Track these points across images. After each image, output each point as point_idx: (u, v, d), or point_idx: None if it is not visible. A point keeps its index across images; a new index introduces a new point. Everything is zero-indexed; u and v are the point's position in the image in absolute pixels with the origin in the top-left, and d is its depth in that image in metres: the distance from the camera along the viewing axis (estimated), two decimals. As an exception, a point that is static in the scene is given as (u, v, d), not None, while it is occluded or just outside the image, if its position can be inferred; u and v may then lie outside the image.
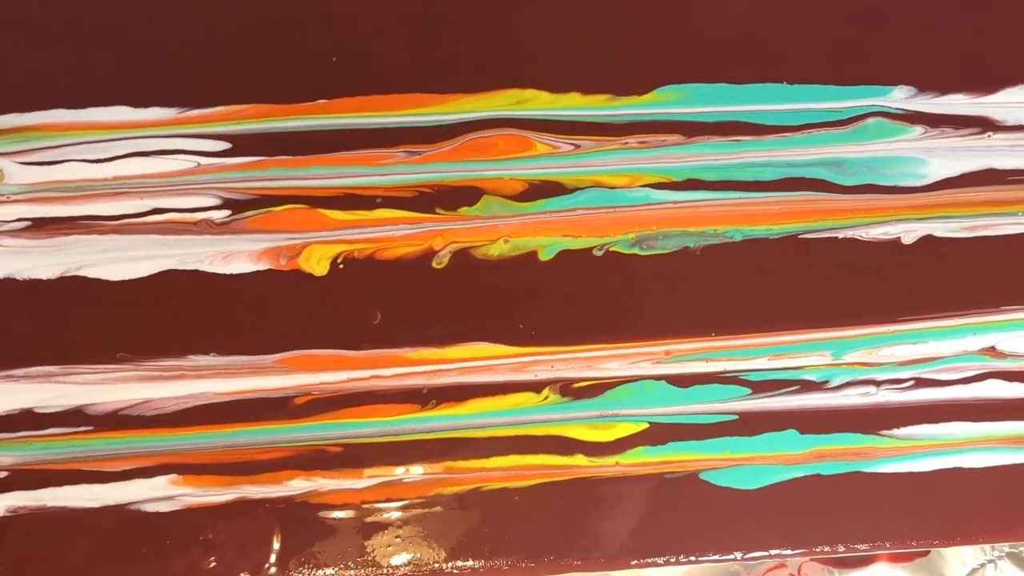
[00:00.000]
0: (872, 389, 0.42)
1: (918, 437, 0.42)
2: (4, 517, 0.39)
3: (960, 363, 0.42)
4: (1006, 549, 0.44)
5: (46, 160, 0.40)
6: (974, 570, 0.44)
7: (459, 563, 0.40)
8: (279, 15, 0.40)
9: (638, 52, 0.41)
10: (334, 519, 0.40)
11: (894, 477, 0.41)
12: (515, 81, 0.41)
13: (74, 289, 0.40)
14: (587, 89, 0.41)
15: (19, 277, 0.40)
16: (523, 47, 0.41)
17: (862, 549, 0.41)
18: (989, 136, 0.42)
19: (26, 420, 0.40)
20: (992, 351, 0.42)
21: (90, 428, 0.40)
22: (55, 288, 0.40)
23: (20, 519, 0.39)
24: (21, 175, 0.40)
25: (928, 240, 0.42)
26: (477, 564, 0.40)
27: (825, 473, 0.41)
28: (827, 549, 0.41)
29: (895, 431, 0.42)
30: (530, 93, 0.41)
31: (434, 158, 0.41)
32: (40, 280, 0.40)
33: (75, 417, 0.40)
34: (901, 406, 0.42)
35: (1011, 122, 0.42)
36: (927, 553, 0.44)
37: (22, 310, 0.40)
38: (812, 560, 0.44)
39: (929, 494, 0.42)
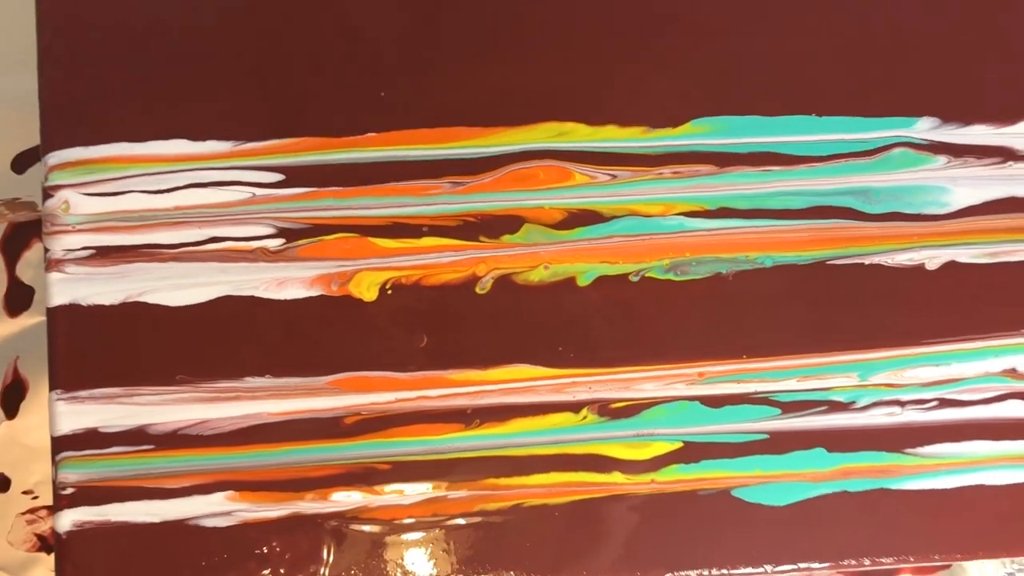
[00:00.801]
0: (897, 409, 0.42)
1: (941, 455, 0.42)
2: (70, 532, 0.39)
3: (982, 384, 0.43)
4: None
5: (109, 191, 0.41)
6: None
7: (499, 573, 0.41)
8: (330, 53, 0.41)
9: (672, 86, 0.42)
10: (381, 534, 0.41)
11: (918, 494, 0.42)
12: (555, 115, 0.42)
13: (136, 314, 0.41)
14: (624, 122, 0.42)
15: (83, 303, 0.40)
16: (562, 83, 0.42)
17: (887, 563, 0.41)
18: (1011, 165, 0.43)
19: (91, 439, 0.40)
20: (1012, 372, 0.43)
21: (151, 447, 0.41)
22: (118, 313, 0.41)
23: (85, 533, 0.40)
24: (86, 206, 0.41)
25: (951, 266, 0.43)
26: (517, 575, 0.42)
27: (852, 490, 0.42)
28: (853, 563, 0.41)
29: (919, 449, 0.42)
30: (569, 126, 0.42)
31: (477, 188, 0.42)
32: (103, 305, 0.41)
33: (137, 436, 0.41)
34: (925, 425, 0.43)
35: None
36: (949, 566, 0.45)
37: (87, 334, 0.40)
38: (839, 573, 0.44)
39: (952, 510, 0.42)
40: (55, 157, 0.41)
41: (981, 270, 0.43)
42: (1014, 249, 0.43)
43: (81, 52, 0.41)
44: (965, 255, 0.43)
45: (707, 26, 0.42)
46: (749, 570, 0.42)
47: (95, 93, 0.41)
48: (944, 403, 0.43)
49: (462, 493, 0.41)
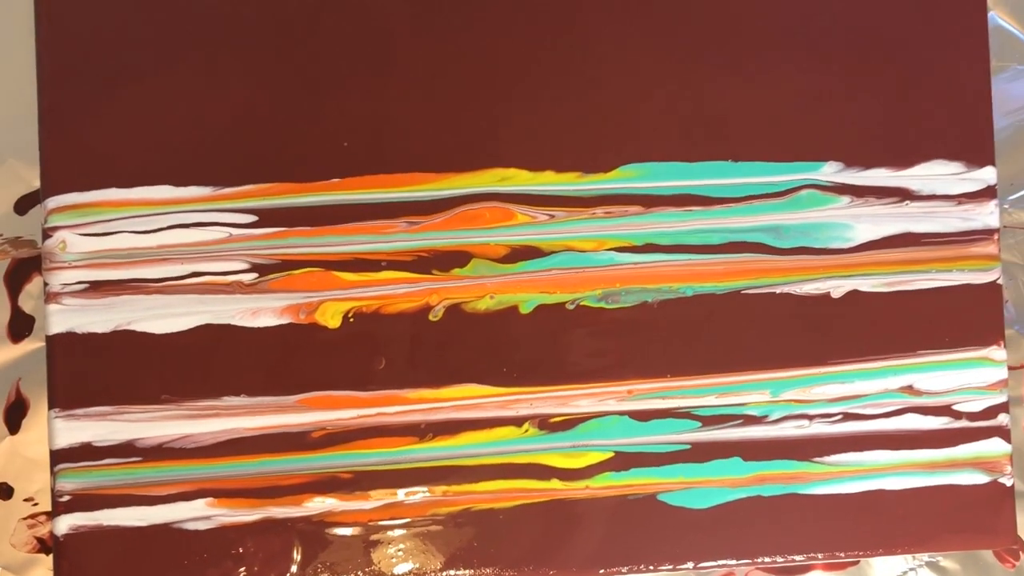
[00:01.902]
0: (806, 422, 0.44)
1: (846, 463, 0.44)
2: (67, 535, 0.42)
3: (882, 400, 0.45)
4: (925, 558, 0.47)
5: (101, 232, 0.43)
6: None
7: (452, 572, 0.43)
8: (299, 108, 0.43)
9: (603, 136, 0.44)
10: (345, 535, 0.43)
11: (825, 498, 0.44)
12: (499, 162, 0.44)
13: (125, 341, 0.42)
14: (560, 168, 0.44)
15: (79, 331, 0.42)
16: (505, 133, 0.44)
17: (798, 560, 0.44)
18: (907, 204, 0.45)
19: (85, 452, 0.42)
20: (910, 389, 0.44)
21: (139, 459, 0.42)
22: (109, 340, 0.42)
23: (80, 536, 0.42)
24: (80, 244, 0.43)
25: (854, 294, 0.44)
26: (468, 573, 0.43)
27: (766, 495, 0.44)
28: (767, 560, 0.44)
29: (826, 458, 0.44)
30: (512, 172, 0.44)
31: (430, 227, 0.44)
32: (96, 333, 0.42)
33: (126, 449, 0.42)
34: (831, 437, 0.44)
35: (926, 192, 0.45)
36: (857, 562, 0.47)
37: (81, 359, 0.42)
38: (756, 569, 0.47)
39: (855, 512, 0.44)
40: (53, 201, 0.42)
41: (880, 298, 0.44)
42: (910, 279, 0.44)
43: (77, 109, 0.43)
44: (866, 284, 0.44)
45: (634, 83, 0.44)
46: (673, 567, 0.44)
47: (89, 145, 0.43)
48: (848, 416, 0.44)
49: (417, 499, 0.43)
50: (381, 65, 0.43)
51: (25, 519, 0.46)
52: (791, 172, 0.44)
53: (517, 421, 0.44)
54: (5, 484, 0.46)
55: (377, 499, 0.43)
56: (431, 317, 0.43)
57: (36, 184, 0.45)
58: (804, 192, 0.45)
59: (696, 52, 0.44)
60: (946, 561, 0.48)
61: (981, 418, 0.45)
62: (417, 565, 0.43)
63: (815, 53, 0.45)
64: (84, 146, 0.43)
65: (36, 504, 0.46)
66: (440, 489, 0.43)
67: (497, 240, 0.44)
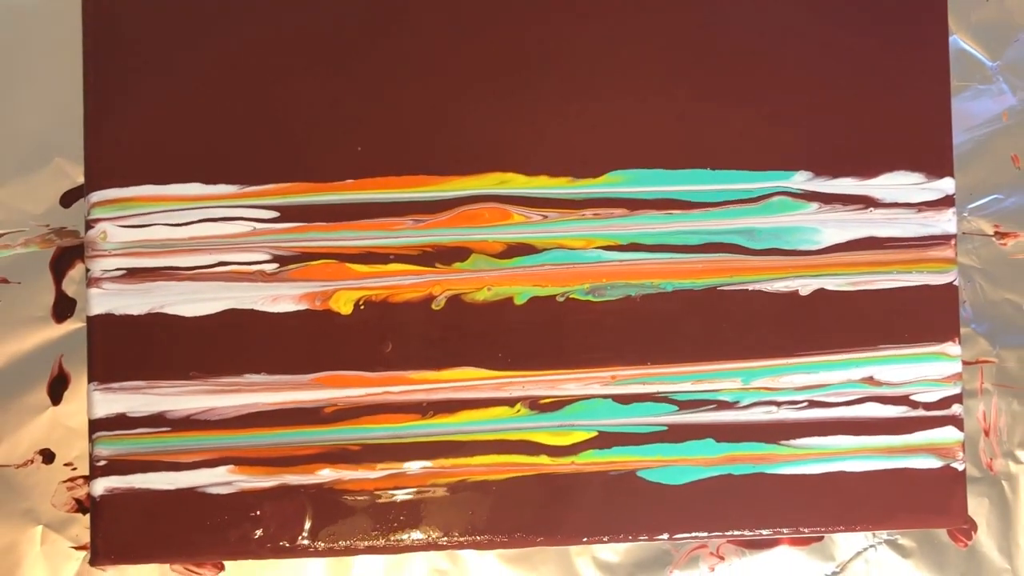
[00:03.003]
0: (774, 408, 0.46)
1: (810, 447, 0.46)
2: (103, 496, 0.44)
3: (844, 389, 0.46)
4: (884, 536, 0.49)
5: (138, 224, 0.44)
6: (859, 552, 0.49)
7: (449, 537, 0.45)
8: (317, 115, 0.45)
9: (593, 145, 0.46)
10: (353, 501, 0.45)
11: (791, 477, 0.46)
12: (498, 166, 0.45)
13: (157, 323, 0.44)
14: (553, 173, 0.46)
15: (116, 313, 0.44)
16: (504, 141, 0.45)
17: (766, 534, 0.46)
18: (871, 211, 0.46)
19: (120, 422, 0.44)
20: (870, 380, 0.46)
21: (168, 429, 0.44)
22: (143, 321, 0.44)
23: (114, 497, 0.44)
24: (119, 235, 0.44)
25: (820, 293, 0.46)
26: (463, 539, 0.45)
27: (736, 473, 0.46)
28: (737, 533, 0.46)
29: (792, 441, 0.46)
30: (509, 176, 0.45)
31: (435, 225, 0.45)
32: (132, 315, 0.44)
33: (157, 420, 0.44)
34: (797, 422, 0.46)
35: (888, 200, 0.46)
36: (822, 538, 0.49)
37: (118, 338, 0.44)
38: (728, 542, 0.49)
39: (818, 491, 0.46)
40: (96, 196, 0.44)
41: (845, 296, 0.46)
42: (873, 279, 0.46)
43: (118, 113, 0.45)
44: (832, 284, 0.46)
45: (622, 97, 0.46)
46: (650, 537, 0.46)
47: (128, 146, 0.45)
48: (813, 404, 0.46)
49: (418, 470, 0.45)
50: (393, 78, 0.45)
51: (65, 482, 0.47)
52: (764, 180, 0.46)
53: (510, 402, 0.45)
54: (48, 450, 0.47)
55: (382, 470, 0.45)
56: (434, 306, 0.45)
57: (80, 180, 0.47)
58: (776, 198, 0.46)
59: (679, 70, 0.46)
60: (904, 539, 0.49)
61: (936, 408, 0.46)
62: (417, 530, 0.45)
63: (788, 71, 0.46)
64: (124, 147, 0.45)
65: (75, 468, 0.47)
66: (439, 462, 0.45)
67: (495, 237, 0.46)
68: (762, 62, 0.46)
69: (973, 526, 0.50)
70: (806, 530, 0.46)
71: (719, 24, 0.46)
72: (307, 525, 0.45)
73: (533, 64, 0.46)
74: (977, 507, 0.49)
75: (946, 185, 0.47)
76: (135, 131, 0.45)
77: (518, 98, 0.46)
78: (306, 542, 0.45)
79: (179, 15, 0.45)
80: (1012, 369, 0.50)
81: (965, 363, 0.49)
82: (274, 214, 0.45)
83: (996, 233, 0.50)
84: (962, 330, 0.48)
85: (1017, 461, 0.50)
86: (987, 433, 0.50)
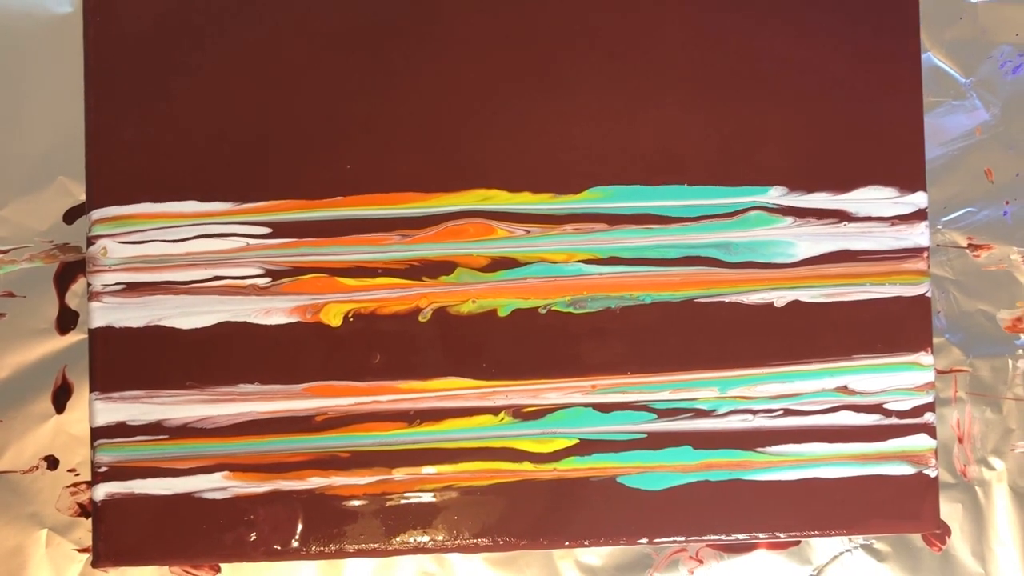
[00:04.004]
0: (750, 416, 0.47)
1: (786, 454, 0.47)
2: (104, 500, 0.45)
3: (819, 398, 0.47)
4: (860, 541, 0.50)
5: (137, 240, 0.45)
6: (835, 556, 0.50)
7: (435, 540, 0.46)
8: (308, 135, 0.46)
9: (574, 162, 0.47)
10: (343, 506, 0.46)
11: (766, 484, 0.47)
12: (482, 183, 0.46)
13: (156, 335, 0.45)
14: (536, 189, 0.47)
15: (116, 325, 0.45)
16: (488, 159, 0.46)
17: (742, 538, 0.47)
18: (844, 225, 0.47)
19: (120, 430, 0.45)
20: (844, 389, 0.47)
21: (166, 436, 0.45)
22: (142, 334, 0.45)
23: (115, 502, 0.45)
24: (119, 251, 0.45)
25: (795, 304, 0.47)
26: (450, 543, 0.46)
27: (713, 480, 0.47)
28: (714, 538, 0.46)
29: (768, 448, 0.47)
30: (493, 192, 0.46)
31: (421, 240, 0.46)
32: (131, 328, 0.45)
33: (155, 428, 0.45)
34: (772, 430, 0.47)
35: (861, 214, 0.47)
36: (798, 543, 0.50)
37: (119, 350, 0.45)
38: (707, 546, 0.50)
39: (794, 497, 0.47)
40: (97, 213, 0.46)
41: (819, 308, 0.47)
42: (846, 291, 0.47)
43: (118, 134, 0.46)
44: (806, 296, 0.47)
45: (602, 116, 0.47)
46: (628, 541, 0.47)
47: (128, 165, 0.46)
48: (788, 412, 0.47)
49: (405, 476, 0.46)
50: (381, 100, 0.46)
51: (68, 487, 0.48)
52: (740, 195, 0.47)
53: (494, 410, 0.46)
54: (52, 456, 0.48)
55: (371, 476, 0.46)
56: (420, 318, 0.46)
57: (82, 198, 0.48)
58: (752, 213, 0.47)
59: (657, 89, 0.47)
60: (879, 544, 0.50)
61: (909, 416, 0.47)
62: (405, 534, 0.46)
63: (763, 89, 0.47)
64: (124, 166, 0.46)
65: (78, 474, 0.48)
66: (426, 468, 0.46)
67: (479, 252, 0.47)
68: (738, 80, 0.47)
69: (947, 531, 0.50)
70: (782, 535, 0.47)
71: (696, 44, 0.47)
72: (299, 529, 0.46)
73: (515, 86, 0.47)
74: (951, 512, 0.50)
75: (919, 199, 0.48)
76: (134, 151, 0.46)
77: (501, 118, 0.47)
78: (298, 545, 0.46)
79: (176, 41, 0.47)
80: (985, 378, 0.51)
81: (939, 372, 0.50)
82: (267, 230, 0.46)
83: (970, 245, 0.51)
84: (936, 340, 0.49)
85: (990, 468, 0.51)
86: (961, 440, 0.50)
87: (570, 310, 0.47)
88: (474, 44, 0.47)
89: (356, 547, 0.46)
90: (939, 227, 0.51)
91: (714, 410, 0.47)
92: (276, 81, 0.47)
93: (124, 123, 0.46)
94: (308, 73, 0.47)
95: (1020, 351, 0.51)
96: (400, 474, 0.46)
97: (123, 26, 0.47)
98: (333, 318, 0.46)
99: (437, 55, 0.47)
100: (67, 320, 0.49)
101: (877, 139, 0.48)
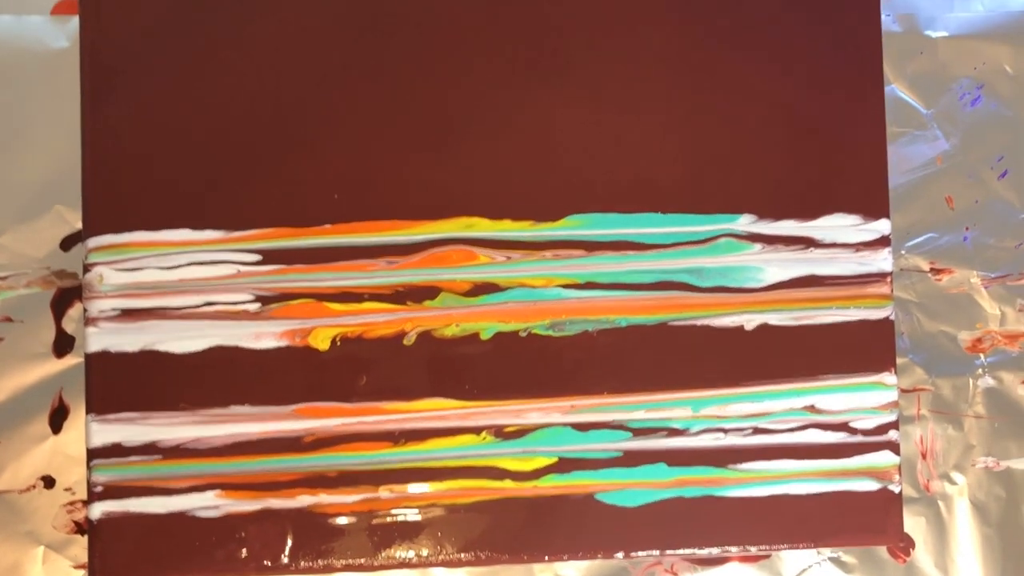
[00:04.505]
0: (722, 435, 0.48)
1: (756, 470, 0.48)
2: (99, 519, 0.45)
3: (787, 417, 0.48)
4: (828, 553, 0.51)
5: (132, 267, 0.46)
6: (804, 569, 0.51)
7: (419, 556, 0.47)
8: (296, 165, 0.47)
9: (553, 191, 0.48)
10: (331, 524, 0.47)
11: (738, 500, 0.48)
12: (465, 211, 0.47)
13: (150, 359, 0.46)
14: (516, 216, 0.47)
15: (112, 350, 0.46)
16: (470, 188, 0.47)
17: (716, 552, 0.47)
18: (811, 251, 0.48)
19: (116, 450, 0.46)
20: (812, 408, 0.48)
21: (160, 457, 0.46)
22: (137, 358, 0.46)
23: (110, 520, 0.46)
24: (114, 278, 0.46)
25: (764, 327, 0.48)
26: (434, 558, 0.47)
27: (687, 496, 0.47)
28: (688, 551, 0.47)
29: (739, 465, 0.48)
30: (475, 220, 0.47)
31: (406, 266, 0.47)
32: (126, 352, 0.46)
33: (149, 449, 0.46)
34: (743, 447, 0.48)
35: (828, 241, 0.48)
36: (769, 556, 0.51)
37: (114, 373, 0.46)
38: (681, 560, 0.51)
39: (764, 512, 0.48)
40: (93, 241, 0.46)
41: (787, 330, 0.48)
42: (813, 315, 0.48)
43: (114, 165, 0.47)
44: (775, 319, 0.48)
45: (580, 147, 0.48)
46: (605, 555, 0.48)
47: (123, 195, 0.47)
48: (758, 431, 0.48)
49: (391, 494, 0.47)
50: (366, 130, 0.47)
51: (65, 505, 0.49)
52: (711, 223, 0.48)
53: (476, 430, 0.47)
54: (49, 476, 0.48)
55: (358, 494, 0.47)
56: (405, 342, 0.47)
57: (78, 226, 0.49)
58: (722, 240, 0.48)
59: (632, 122, 0.48)
60: (846, 556, 0.52)
61: (874, 434, 0.48)
62: (391, 550, 0.47)
63: (733, 121, 0.49)
64: (119, 196, 0.47)
65: (74, 493, 0.49)
66: (411, 486, 0.47)
67: (462, 277, 0.47)
68: (710, 113, 0.49)
69: (911, 543, 0.52)
70: (754, 548, 0.48)
71: (669, 79, 0.49)
72: (289, 545, 0.47)
73: (496, 118, 0.48)
74: (915, 526, 0.52)
75: (882, 226, 0.49)
76: (129, 181, 0.47)
77: (483, 149, 0.48)
78: (288, 561, 0.47)
79: (168, 77, 0.48)
80: (947, 396, 0.52)
81: (903, 391, 0.51)
82: (257, 257, 0.47)
83: (932, 269, 0.53)
84: (900, 360, 0.51)
85: (952, 482, 0.52)
86: (924, 456, 0.52)
87: (550, 333, 0.48)
88: (455, 79, 0.48)
89: (343, 563, 0.47)
90: (903, 252, 0.53)
91: (687, 429, 0.48)
92: (265, 115, 0.48)
93: (119, 155, 0.47)
94: (296, 107, 0.48)
95: (980, 371, 0.53)
96: (386, 492, 0.47)
97: (117, 62, 0.48)
98: (321, 342, 0.47)
99: (420, 90, 0.48)
100: (64, 344, 0.49)
101: (842, 168, 0.49)
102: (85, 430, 0.46)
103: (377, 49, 0.48)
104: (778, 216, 0.49)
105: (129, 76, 0.48)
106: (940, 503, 0.52)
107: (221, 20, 0.48)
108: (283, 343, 0.47)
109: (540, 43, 0.49)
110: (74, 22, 0.49)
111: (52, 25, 0.50)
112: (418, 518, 0.47)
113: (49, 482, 0.49)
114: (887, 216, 0.49)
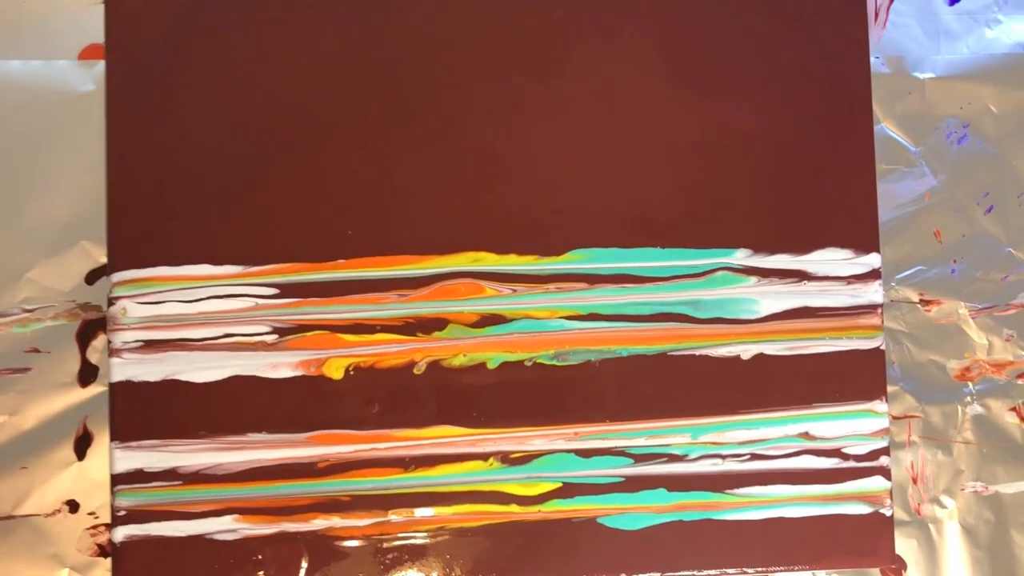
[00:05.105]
0: (720, 461, 0.49)
1: (753, 495, 0.49)
2: (122, 542, 0.47)
3: (783, 443, 0.49)
4: (823, 575, 0.51)
5: (154, 300, 0.47)
6: None
7: None
8: (312, 204, 0.48)
9: (556, 227, 0.49)
10: (344, 547, 0.48)
11: (735, 523, 0.49)
12: (472, 246, 0.49)
13: (171, 388, 0.47)
14: (521, 251, 0.49)
15: (135, 380, 0.47)
16: (478, 224, 0.49)
17: (713, 574, 0.49)
18: (804, 283, 0.50)
19: (138, 476, 0.47)
20: (806, 435, 0.49)
21: (180, 482, 0.47)
22: (158, 387, 0.47)
23: (133, 543, 0.47)
24: (138, 311, 0.48)
25: (760, 357, 0.49)
26: None
27: (686, 519, 0.49)
28: (687, 573, 0.49)
29: (736, 490, 0.49)
30: (482, 254, 0.48)
31: (416, 299, 0.48)
32: (149, 381, 0.47)
33: (170, 475, 0.47)
34: (741, 473, 0.49)
35: (820, 274, 0.50)
36: None
37: (137, 402, 0.47)
38: None
39: (760, 535, 0.49)
40: (118, 276, 0.48)
41: (782, 360, 0.49)
42: (807, 345, 0.50)
43: (137, 203, 0.48)
44: (770, 349, 0.49)
45: (582, 185, 0.49)
46: None
47: (146, 232, 0.48)
48: (755, 457, 0.49)
49: (401, 518, 0.48)
50: (378, 170, 0.49)
51: (88, 529, 0.49)
52: (708, 257, 0.50)
53: (483, 456, 0.48)
54: (73, 500, 0.49)
55: (369, 518, 0.48)
56: (415, 371, 0.48)
57: (103, 261, 0.49)
58: (719, 273, 0.50)
59: (632, 160, 0.50)
60: None
61: (866, 459, 0.50)
62: (401, 572, 0.48)
63: (729, 159, 0.50)
64: (142, 233, 0.48)
65: (97, 517, 0.49)
66: (421, 511, 0.48)
67: (470, 309, 0.49)
68: (706, 152, 0.51)
69: (903, 565, 0.53)
70: (750, 570, 0.50)
71: (668, 120, 0.51)
72: (303, 567, 0.48)
73: (502, 158, 0.50)
74: (907, 548, 0.53)
75: (873, 260, 0.51)
76: (152, 219, 0.49)
77: (489, 187, 0.50)
78: None
79: (189, 119, 0.49)
80: (936, 423, 0.53)
81: (894, 418, 0.53)
82: (274, 291, 0.48)
83: (921, 301, 0.54)
84: (891, 388, 0.52)
85: (942, 506, 0.53)
86: (915, 481, 0.53)
87: (554, 363, 0.49)
88: (462, 122, 0.50)
89: (355, 584, 0.48)
90: (893, 284, 0.54)
91: (686, 455, 0.49)
92: (282, 156, 0.49)
93: (142, 193, 0.49)
94: (311, 149, 0.49)
95: (968, 398, 0.54)
96: (396, 516, 0.48)
97: (141, 105, 0.50)
98: (335, 371, 0.48)
99: (429, 131, 0.50)
100: (88, 374, 0.50)
101: (834, 205, 0.51)
102: (109, 456, 0.48)
103: (388, 94, 0.50)
104: (772, 250, 0.50)
105: (151, 118, 0.50)
106: (931, 526, 0.53)
107: (238, 67, 0.50)
108: (299, 373, 0.48)
109: (546, 87, 0.50)
110: (100, 67, 0.51)
111: (79, 69, 0.51)
112: (427, 541, 0.49)
113: (74, 506, 0.49)
114: (877, 250, 0.51)
